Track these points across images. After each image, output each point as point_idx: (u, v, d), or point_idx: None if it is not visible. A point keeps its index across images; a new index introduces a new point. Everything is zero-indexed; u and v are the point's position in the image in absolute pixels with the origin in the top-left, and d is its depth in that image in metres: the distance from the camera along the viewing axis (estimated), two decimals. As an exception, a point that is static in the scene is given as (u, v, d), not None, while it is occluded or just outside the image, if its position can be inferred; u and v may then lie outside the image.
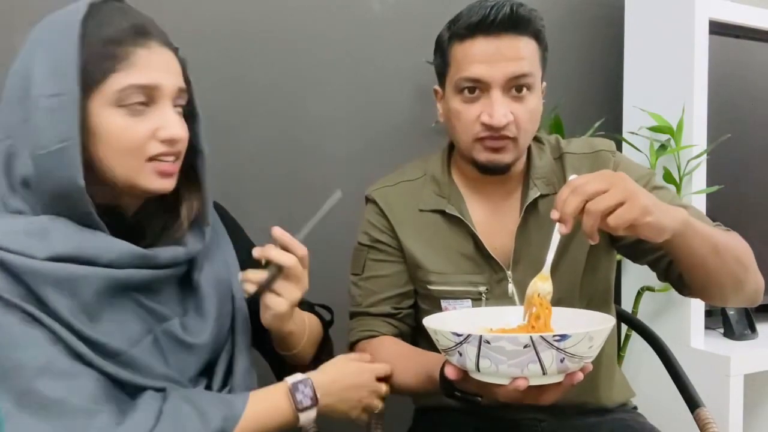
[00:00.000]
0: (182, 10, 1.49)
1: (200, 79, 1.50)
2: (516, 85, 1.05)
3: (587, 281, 1.14)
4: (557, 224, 0.89)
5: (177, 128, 0.87)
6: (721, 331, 1.78)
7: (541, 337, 0.77)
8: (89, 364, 0.81)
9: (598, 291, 1.17)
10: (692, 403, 1.19)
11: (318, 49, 1.63)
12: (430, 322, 0.89)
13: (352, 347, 1.21)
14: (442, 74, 1.13)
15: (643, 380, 1.61)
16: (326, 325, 1.15)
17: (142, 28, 0.86)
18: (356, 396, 1.00)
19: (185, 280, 0.94)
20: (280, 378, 0.97)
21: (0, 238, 0.79)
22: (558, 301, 1.09)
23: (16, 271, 0.78)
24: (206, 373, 0.95)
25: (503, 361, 0.79)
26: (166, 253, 0.89)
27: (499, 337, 0.78)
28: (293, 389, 0.94)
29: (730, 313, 1.77)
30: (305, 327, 1.04)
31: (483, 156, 1.09)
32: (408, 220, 1.18)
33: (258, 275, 0.92)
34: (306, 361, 1.07)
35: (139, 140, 0.84)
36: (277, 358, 1.08)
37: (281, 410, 0.93)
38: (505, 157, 1.09)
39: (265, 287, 0.92)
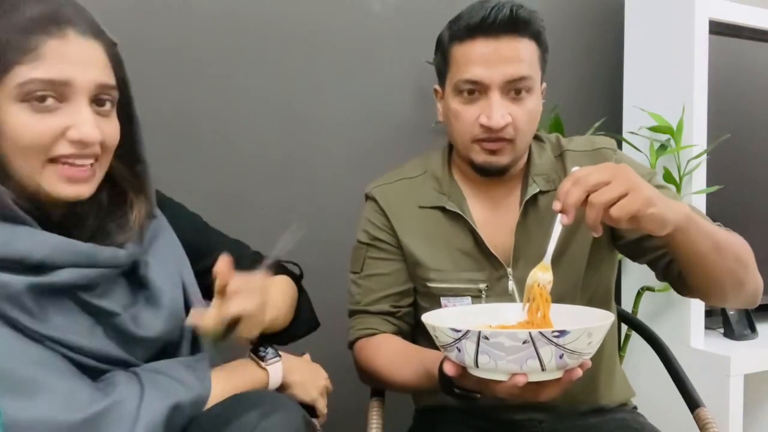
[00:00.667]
0: (182, 9, 1.49)
1: (199, 79, 1.52)
2: (514, 88, 1.06)
3: (589, 279, 1.14)
4: (559, 215, 0.89)
5: (88, 128, 0.78)
6: (721, 331, 1.78)
7: (540, 332, 0.76)
8: (50, 349, 0.77)
9: (600, 289, 1.17)
10: (692, 403, 1.19)
11: (318, 48, 1.63)
12: (428, 318, 0.89)
13: (351, 345, 1.21)
14: (442, 74, 1.14)
15: (643, 380, 1.61)
16: (297, 279, 1.15)
17: (57, 15, 0.77)
18: (315, 376, 1.04)
19: (132, 274, 0.89)
20: None
21: None
22: (559, 298, 1.09)
23: None
24: (160, 356, 0.91)
25: (502, 357, 0.79)
26: (105, 252, 0.82)
27: (498, 332, 0.78)
28: (253, 350, 0.96)
29: (730, 313, 1.77)
30: (278, 309, 1.03)
31: (480, 157, 1.09)
32: (408, 218, 1.18)
33: (210, 324, 0.84)
34: (286, 323, 1.08)
35: (42, 139, 0.77)
36: None
37: (248, 367, 0.94)
38: (502, 159, 1.09)
39: (225, 336, 0.86)
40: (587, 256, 1.13)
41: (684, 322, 1.67)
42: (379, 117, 1.70)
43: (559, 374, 0.82)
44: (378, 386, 1.22)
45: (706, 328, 1.72)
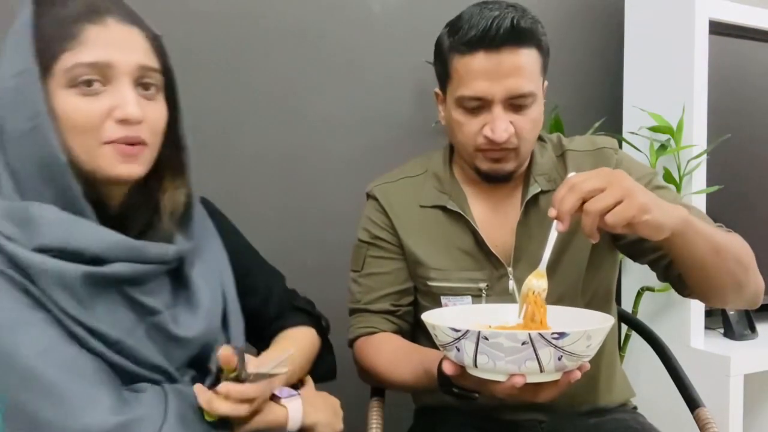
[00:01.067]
0: (182, 9, 1.49)
1: (200, 79, 1.52)
2: (516, 103, 1.05)
3: (589, 280, 1.14)
4: (555, 222, 0.89)
5: (131, 107, 0.82)
6: (721, 331, 1.78)
7: (540, 334, 0.76)
8: (87, 348, 0.80)
9: (600, 290, 1.17)
10: (692, 403, 1.19)
11: (318, 49, 1.63)
12: (428, 317, 0.89)
13: (351, 344, 1.21)
14: (442, 81, 1.13)
15: (643, 380, 1.61)
16: (324, 332, 1.14)
17: (96, 6, 0.82)
18: (331, 411, 0.99)
19: (176, 272, 0.92)
20: None
21: None
22: (559, 299, 1.09)
23: (10, 255, 0.77)
24: (195, 365, 0.94)
25: (501, 357, 0.79)
26: (154, 248, 0.86)
27: (498, 333, 0.78)
28: (273, 393, 0.94)
29: (730, 313, 1.77)
30: (293, 372, 1.00)
31: (485, 165, 1.10)
32: (408, 217, 1.18)
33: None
34: (302, 377, 1.06)
35: (92, 121, 0.81)
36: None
37: (269, 406, 0.92)
38: (506, 166, 1.09)
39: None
40: (588, 257, 1.13)
41: (684, 322, 1.67)
42: (379, 117, 1.71)
43: (557, 376, 0.82)
44: (377, 384, 1.22)
45: (706, 328, 1.72)
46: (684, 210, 0.94)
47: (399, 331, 1.19)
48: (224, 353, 0.82)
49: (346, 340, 1.22)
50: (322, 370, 1.10)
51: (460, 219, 1.15)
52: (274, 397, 0.95)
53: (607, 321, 0.86)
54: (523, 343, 0.77)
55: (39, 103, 0.79)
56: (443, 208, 1.16)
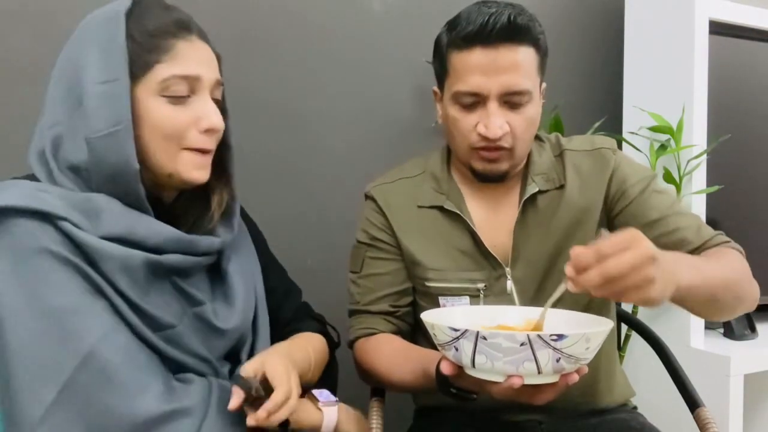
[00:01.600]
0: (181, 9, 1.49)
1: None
2: (512, 100, 1.05)
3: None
4: (568, 282, 0.80)
5: (216, 117, 0.91)
6: (721, 331, 1.78)
7: (538, 335, 0.76)
8: (140, 337, 0.85)
9: None
10: (692, 403, 1.19)
11: (318, 48, 1.63)
12: (427, 316, 0.89)
13: (351, 345, 1.21)
14: (440, 78, 1.13)
15: (643, 380, 1.60)
16: (333, 346, 1.16)
17: (183, 22, 0.91)
18: (360, 424, 1.04)
19: (214, 268, 0.99)
20: None
21: (60, 209, 0.82)
22: (559, 301, 1.09)
23: (78, 241, 0.82)
24: (230, 357, 0.99)
25: (499, 358, 0.79)
26: (204, 241, 0.94)
27: (496, 333, 0.78)
28: (312, 393, 0.99)
29: (730, 313, 1.77)
30: (309, 367, 1.03)
31: (479, 165, 1.10)
32: (406, 217, 1.18)
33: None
34: (313, 380, 1.08)
35: (181, 128, 0.89)
36: None
37: (305, 405, 0.96)
38: (501, 166, 1.09)
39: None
40: None
41: (684, 322, 1.67)
42: (378, 117, 1.71)
43: (555, 378, 0.82)
44: (377, 385, 1.22)
45: (706, 328, 1.72)
46: (686, 269, 0.87)
47: (398, 332, 1.19)
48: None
49: (346, 341, 1.22)
50: (326, 384, 1.11)
51: (458, 219, 1.15)
52: (311, 398, 0.98)
53: (606, 324, 0.86)
54: (522, 344, 0.77)
55: (125, 111, 0.85)
56: (441, 209, 1.16)
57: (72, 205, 0.84)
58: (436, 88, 1.16)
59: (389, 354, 1.13)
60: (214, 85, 0.92)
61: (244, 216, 1.13)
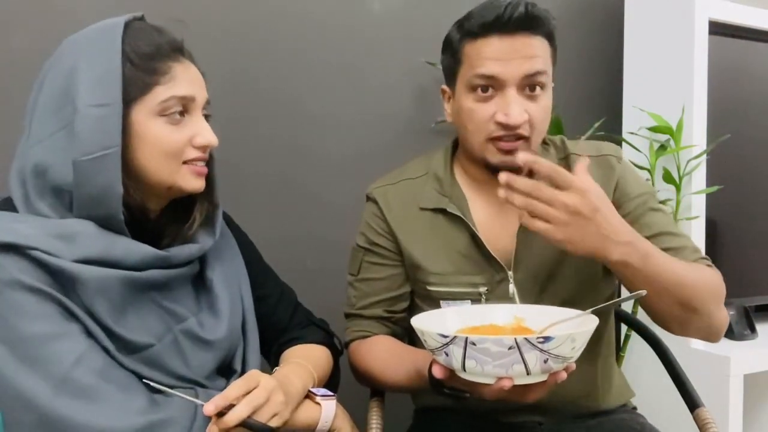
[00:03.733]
0: (181, 10, 1.49)
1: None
2: (530, 84, 1.05)
3: (589, 283, 1.13)
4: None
5: (211, 135, 0.95)
6: (721, 331, 1.78)
7: (525, 339, 0.78)
8: (116, 361, 0.86)
9: (599, 298, 1.15)
10: (692, 403, 1.19)
11: (318, 49, 1.63)
12: (417, 322, 0.90)
13: (346, 346, 1.22)
14: (452, 73, 1.11)
15: (643, 380, 1.61)
16: (337, 355, 1.17)
17: (176, 44, 0.94)
18: (350, 421, 1.05)
19: (198, 278, 1.00)
20: None
21: (32, 239, 0.82)
22: (560, 302, 1.08)
23: (51, 268, 0.83)
24: (222, 372, 1.00)
25: (488, 362, 0.80)
26: (181, 252, 0.94)
27: (485, 339, 0.80)
28: (310, 390, 0.99)
29: (730, 313, 1.76)
30: (312, 379, 1.03)
31: (496, 158, 1.08)
32: (408, 220, 1.17)
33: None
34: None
35: (179, 146, 0.92)
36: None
37: (303, 403, 0.96)
38: (517, 158, 1.08)
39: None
40: (588, 261, 1.12)
41: (684, 322, 1.67)
42: (379, 117, 1.70)
43: (544, 377, 0.84)
44: (373, 386, 1.22)
45: (706, 328, 1.72)
46: (637, 247, 0.95)
47: (393, 335, 1.19)
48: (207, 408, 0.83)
49: (343, 343, 1.22)
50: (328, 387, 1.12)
51: (460, 222, 1.14)
52: (309, 395, 0.99)
53: (591, 322, 0.87)
54: (510, 348, 0.79)
55: (116, 136, 0.86)
56: (443, 211, 1.15)
57: (46, 232, 0.84)
58: (445, 86, 1.15)
59: (383, 356, 1.14)
60: (204, 104, 0.96)
61: (231, 224, 1.14)
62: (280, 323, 1.13)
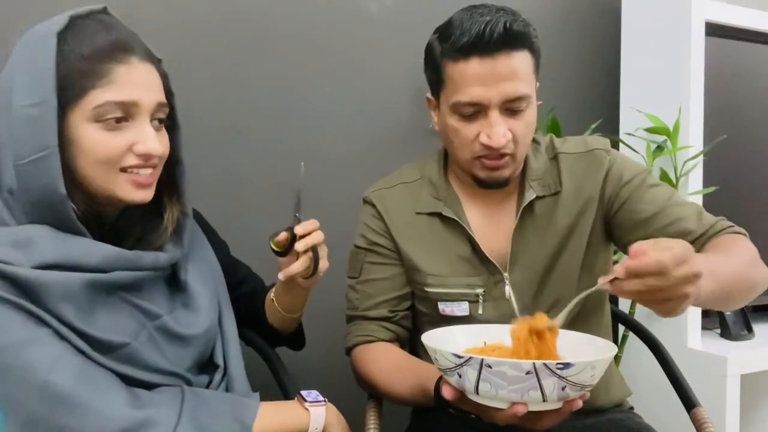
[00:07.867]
0: (180, 10, 1.49)
1: (198, 80, 1.52)
2: (512, 107, 1.05)
3: (584, 279, 1.14)
4: (603, 280, 0.80)
5: (153, 143, 0.88)
6: (718, 331, 1.79)
7: (545, 364, 0.76)
8: (93, 361, 0.84)
9: (598, 294, 1.16)
10: (689, 403, 1.19)
11: (315, 50, 1.64)
12: (428, 340, 0.87)
13: (348, 351, 1.21)
14: (435, 88, 1.12)
15: (640, 380, 1.61)
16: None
17: (122, 44, 0.86)
18: (345, 428, 1.04)
19: (172, 279, 0.98)
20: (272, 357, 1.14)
21: None
22: (555, 301, 1.09)
23: (12, 278, 0.80)
24: (204, 368, 0.99)
25: (504, 386, 0.78)
26: (149, 256, 0.91)
27: (502, 362, 0.77)
28: (301, 394, 0.99)
29: (727, 313, 1.77)
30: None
31: (483, 173, 1.09)
32: (405, 223, 1.18)
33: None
34: (295, 324, 1.19)
35: (115, 154, 0.86)
36: (270, 334, 1.20)
37: (292, 407, 0.97)
38: (504, 173, 1.09)
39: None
40: (582, 259, 1.13)
41: (681, 322, 1.68)
42: (375, 119, 1.71)
43: (559, 404, 0.82)
44: (375, 395, 1.21)
45: (703, 328, 1.73)
46: (706, 282, 0.82)
47: (396, 339, 1.19)
48: (278, 239, 1.04)
49: (345, 348, 1.22)
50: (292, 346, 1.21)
51: (456, 225, 1.14)
52: (299, 399, 0.99)
53: (610, 350, 0.85)
54: (527, 373, 0.76)
55: (52, 137, 0.82)
56: (439, 215, 1.16)
57: (1, 241, 0.81)
58: (430, 96, 1.15)
59: (387, 366, 1.13)
60: (155, 108, 0.89)
61: (203, 224, 1.13)
62: (260, 292, 1.18)
